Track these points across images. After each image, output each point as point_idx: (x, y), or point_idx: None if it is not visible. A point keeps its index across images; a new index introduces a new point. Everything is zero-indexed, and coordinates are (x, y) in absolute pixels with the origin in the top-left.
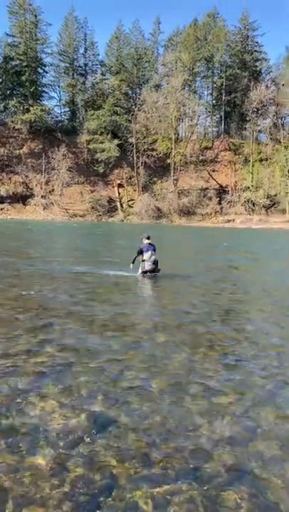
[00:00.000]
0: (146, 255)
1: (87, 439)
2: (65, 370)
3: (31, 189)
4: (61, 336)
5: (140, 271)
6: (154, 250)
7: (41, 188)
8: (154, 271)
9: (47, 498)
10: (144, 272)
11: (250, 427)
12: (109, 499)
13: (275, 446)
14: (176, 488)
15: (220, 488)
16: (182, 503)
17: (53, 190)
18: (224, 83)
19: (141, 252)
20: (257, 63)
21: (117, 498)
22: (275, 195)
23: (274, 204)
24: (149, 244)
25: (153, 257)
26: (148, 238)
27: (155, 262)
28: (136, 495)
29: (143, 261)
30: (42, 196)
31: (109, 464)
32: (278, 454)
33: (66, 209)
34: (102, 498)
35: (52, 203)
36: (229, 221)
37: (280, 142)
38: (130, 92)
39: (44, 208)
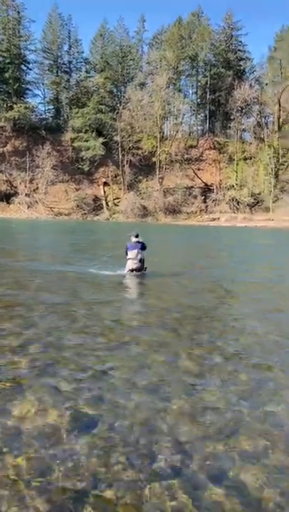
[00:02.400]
0: (131, 253)
1: (70, 439)
2: (47, 368)
3: (15, 187)
4: (43, 334)
5: (126, 269)
6: (142, 248)
7: (25, 187)
8: (140, 269)
9: (26, 499)
10: (130, 271)
11: (233, 424)
12: (91, 499)
13: (259, 443)
14: (159, 487)
15: (203, 486)
16: (165, 502)
17: (38, 188)
18: (209, 82)
19: (126, 250)
20: (241, 62)
21: (99, 498)
22: (259, 193)
23: (258, 202)
24: (137, 242)
25: (139, 255)
26: (136, 236)
27: (141, 261)
28: (117, 495)
29: (128, 259)
30: (26, 195)
31: (91, 463)
32: (261, 451)
33: (51, 207)
34: (83, 499)
35: (36, 202)
36: (214, 219)
37: (263, 141)
38: (115, 90)
39: (28, 207)
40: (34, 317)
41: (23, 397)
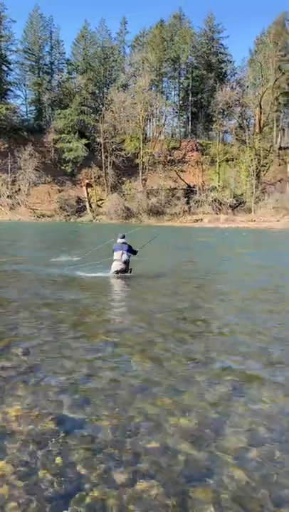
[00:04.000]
0: (116, 254)
1: (54, 442)
2: (29, 372)
3: None
4: (25, 337)
5: (111, 271)
6: (128, 250)
7: (7, 188)
8: (124, 271)
9: (12, 502)
10: (115, 272)
11: (216, 423)
12: (77, 501)
13: (242, 441)
14: (145, 488)
15: (189, 486)
16: (151, 502)
17: (20, 190)
18: (190, 84)
19: (113, 252)
20: (222, 65)
21: (85, 500)
22: (241, 194)
23: (240, 203)
24: (123, 243)
25: (124, 256)
26: (123, 237)
27: (126, 262)
28: (104, 496)
29: (114, 260)
30: (8, 196)
31: (77, 465)
32: (245, 448)
33: (33, 209)
34: (69, 501)
35: (18, 203)
36: (197, 220)
37: (245, 143)
38: (97, 91)
39: (10, 209)
40: (16, 320)
41: (6, 400)
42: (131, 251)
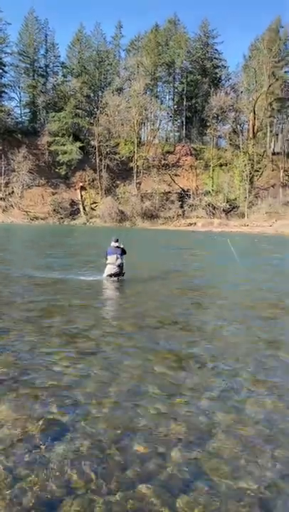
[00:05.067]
0: (110, 258)
1: (43, 446)
2: (20, 376)
3: None
4: (17, 341)
5: (104, 274)
6: (122, 254)
7: (0, 190)
8: (118, 274)
9: (2, 507)
10: (109, 276)
11: (205, 428)
12: (64, 506)
13: (230, 445)
14: (133, 493)
15: (178, 490)
16: (140, 507)
17: (13, 192)
18: (185, 89)
19: (106, 255)
20: (217, 70)
21: (73, 505)
22: (235, 199)
23: (233, 208)
24: (116, 247)
25: (118, 260)
26: (116, 241)
27: (120, 266)
28: (93, 501)
29: (107, 264)
30: (1, 199)
31: (65, 470)
32: (235, 452)
33: (27, 211)
34: (56, 506)
35: (12, 206)
36: (191, 224)
37: (239, 148)
38: (92, 94)
39: (3, 211)
40: (7, 324)
41: None
42: (124, 253)
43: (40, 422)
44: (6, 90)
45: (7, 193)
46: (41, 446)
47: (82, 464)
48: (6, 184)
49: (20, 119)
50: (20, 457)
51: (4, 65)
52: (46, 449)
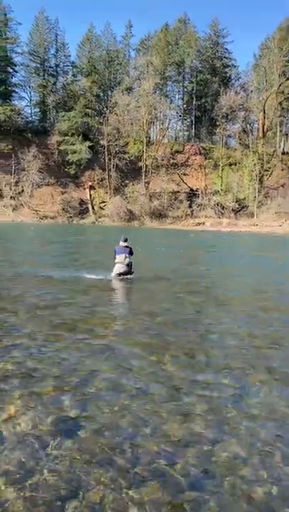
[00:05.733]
0: (118, 257)
1: (54, 443)
2: (32, 373)
3: (0, 190)
4: (28, 339)
5: (113, 273)
6: (130, 253)
7: (10, 189)
8: (127, 273)
9: (12, 503)
10: (118, 275)
11: (216, 429)
12: (76, 503)
13: (241, 447)
14: (142, 491)
15: (187, 490)
16: (149, 506)
17: (23, 191)
18: (195, 88)
19: (114, 254)
20: (226, 69)
21: (84, 502)
22: (244, 198)
23: (243, 208)
24: (125, 246)
25: (127, 259)
26: (125, 241)
27: (129, 265)
28: (103, 499)
29: (116, 263)
30: (11, 197)
31: (76, 467)
32: (244, 454)
33: (36, 210)
34: (68, 503)
35: (22, 205)
36: (199, 224)
37: (248, 147)
38: (102, 94)
39: (13, 210)
40: (18, 321)
41: (7, 401)
42: (132, 253)
43: (50, 419)
44: (16, 90)
45: (17, 192)
46: (51, 443)
47: (92, 461)
48: (16, 183)
49: (30, 119)
50: (30, 453)
51: (15, 65)
52: (56, 445)
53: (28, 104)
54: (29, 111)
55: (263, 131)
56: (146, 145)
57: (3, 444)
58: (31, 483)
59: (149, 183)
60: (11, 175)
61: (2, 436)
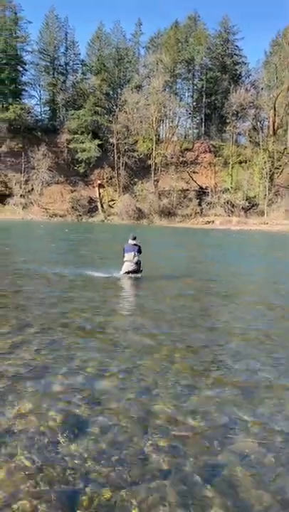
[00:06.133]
0: (127, 256)
1: (63, 440)
2: (42, 371)
3: (10, 188)
4: (37, 336)
5: (122, 271)
6: (139, 252)
7: (20, 188)
8: (136, 272)
9: (23, 500)
10: (126, 273)
11: (223, 425)
12: (85, 500)
13: (250, 444)
14: (151, 488)
15: (196, 486)
16: (158, 502)
17: (33, 189)
18: (204, 85)
19: (123, 252)
20: (237, 67)
21: (93, 499)
22: (254, 197)
23: (253, 206)
24: (134, 244)
25: (136, 257)
26: (134, 239)
27: (138, 263)
28: (112, 496)
29: (125, 261)
30: (21, 196)
31: (86, 465)
32: (252, 451)
33: (46, 209)
34: (78, 500)
35: (31, 203)
36: (209, 222)
37: (258, 145)
38: (111, 92)
39: (23, 208)
40: (28, 319)
41: (17, 398)
42: (140, 252)
43: (60, 416)
44: (26, 88)
45: (27, 190)
46: (61, 440)
47: (101, 459)
48: (26, 181)
49: (40, 117)
50: (41, 450)
51: (25, 64)
52: (66, 442)
53: (38, 102)
54: (39, 109)
55: (274, 129)
56: (156, 143)
57: (15, 441)
58: (43, 479)
59: (158, 181)
60: (21, 173)
61: (13, 433)
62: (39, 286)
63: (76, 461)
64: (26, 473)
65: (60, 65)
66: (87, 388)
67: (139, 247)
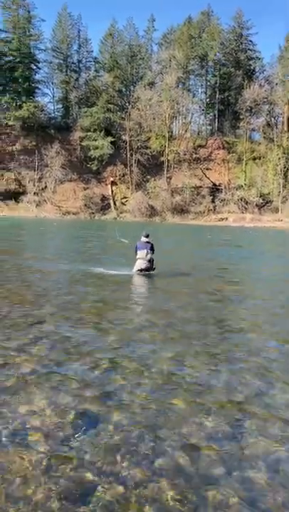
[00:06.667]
0: (140, 253)
1: (75, 436)
2: (55, 367)
3: (24, 186)
4: (50, 333)
5: (134, 269)
6: (152, 249)
7: (34, 185)
8: (148, 269)
9: (35, 497)
10: (139, 270)
11: (237, 425)
12: (97, 498)
13: (262, 444)
14: (162, 485)
15: (208, 485)
16: (170, 500)
17: (46, 187)
18: (218, 81)
19: (136, 250)
20: (251, 62)
21: (105, 496)
22: (268, 193)
23: (267, 203)
24: (147, 242)
25: (149, 255)
26: (147, 236)
27: (150, 261)
28: (124, 493)
29: (138, 259)
30: (35, 193)
31: (97, 460)
32: (265, 451)
33: (59, 206)
34: (89, 497)
35: (45, 201)
36: (222, 219)
37: (273, 141)
38: (124, 89)
39: (37, 205)
40: (42, 315)
41: (31, 393)
42: (153, 251)
43: (74, 412)
44: (39, 86)
45: (40, 188)
46: (74, 436)
47: (114, 455)
48: (40, 179)
49: (53, 115)
50: (54, 446)
51: (38, 62)
52: (79, 438)
53: (51, 100)
54: (52, 107)
55: (288, 125)
56: (169, 140)
57: (29, 435)
58: (55, 474)
59: (170, 178)
60: (35, 171)
61: (28, 428)
62: (53, 283)
63: (89, 456)
64: (40, 467)
65: (73, 63)
66: (100, 384)
67: (152, 244)
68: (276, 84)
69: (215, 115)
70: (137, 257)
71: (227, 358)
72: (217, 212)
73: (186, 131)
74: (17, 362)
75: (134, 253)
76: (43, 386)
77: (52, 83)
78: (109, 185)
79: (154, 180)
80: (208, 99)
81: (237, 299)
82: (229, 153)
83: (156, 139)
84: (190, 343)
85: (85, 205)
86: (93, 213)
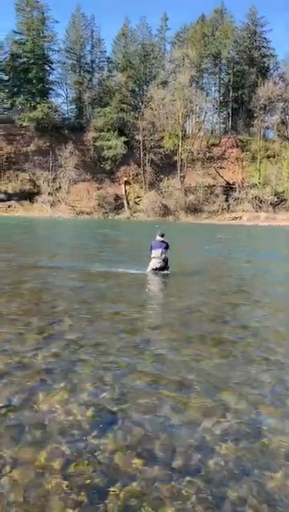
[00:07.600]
0: (154, 252)
1: (92, 434)
2: (72, 366)
3: (38, 186)
4: (67, 332)
5: (149, 268)
6: (166, 248)
7: (48, 186)
8: (163, 268)
9: (50, 493)
10: (154, 269)
11: (252, 424)
12: (113, 496)
13: (275, 443)
14: (179, 484)
15: (223, 485)
16: (186, 500)
17: (60, 187)
18: (231, 79)
19: (151, 249)
20: (265, 59)
21: (121, 494)
22: (283, 192)
23: (281, 201)
24: (162, 241)
25: (163, 255)
26: (162, 236)
27: (165, 260)
28: (140, 492)
29: (153, 258)
30: (49, 194)
31: (114, 458)
32: (279, 450)
33: (73, 206)
34: (105, 495)
35: (59, 201)
36: (236, 218)
37: (287, 139)
38: (137, 88)
39: (51, 205)
40: (58, 314)
41: (48, 392)
42: (168, 248)
43: (90, 410)
44: (53, 87)
45: (54, 188)
46: (90, 434)
47: (130, 454)
48: (54, 179)
49: (67, 116)
50: (70, 444)
51: (52, 63)
52: (95, 436)
53: (65, 101)
54: (66, 108)
55: None
56: (182, 139)
57: (45, 434)
58: (71, 472)
59: (184, 178)
60: (49, 171)
61: (44, 427)
62: (69, 282)
63: (106, 455)
64: (57, 465)
65: (86, 63)
66: (116, 384)
67: (167, 243)
68: None
69: (228, 113)
70: (152, 256)
71: (244, 357)
72: (231, 211)
73: (199, 129)
74: (34, 360)
75: (150, 252)
76: (59, 384)
77: (65, 84)
78: (122, 185)
79: (168, 179)
80: (221, 98)
81: (251, 298)
82: (243, 151)
83: (170, 138)
84: (205, 341)
85: (99, 204)
86: (107, 213)
